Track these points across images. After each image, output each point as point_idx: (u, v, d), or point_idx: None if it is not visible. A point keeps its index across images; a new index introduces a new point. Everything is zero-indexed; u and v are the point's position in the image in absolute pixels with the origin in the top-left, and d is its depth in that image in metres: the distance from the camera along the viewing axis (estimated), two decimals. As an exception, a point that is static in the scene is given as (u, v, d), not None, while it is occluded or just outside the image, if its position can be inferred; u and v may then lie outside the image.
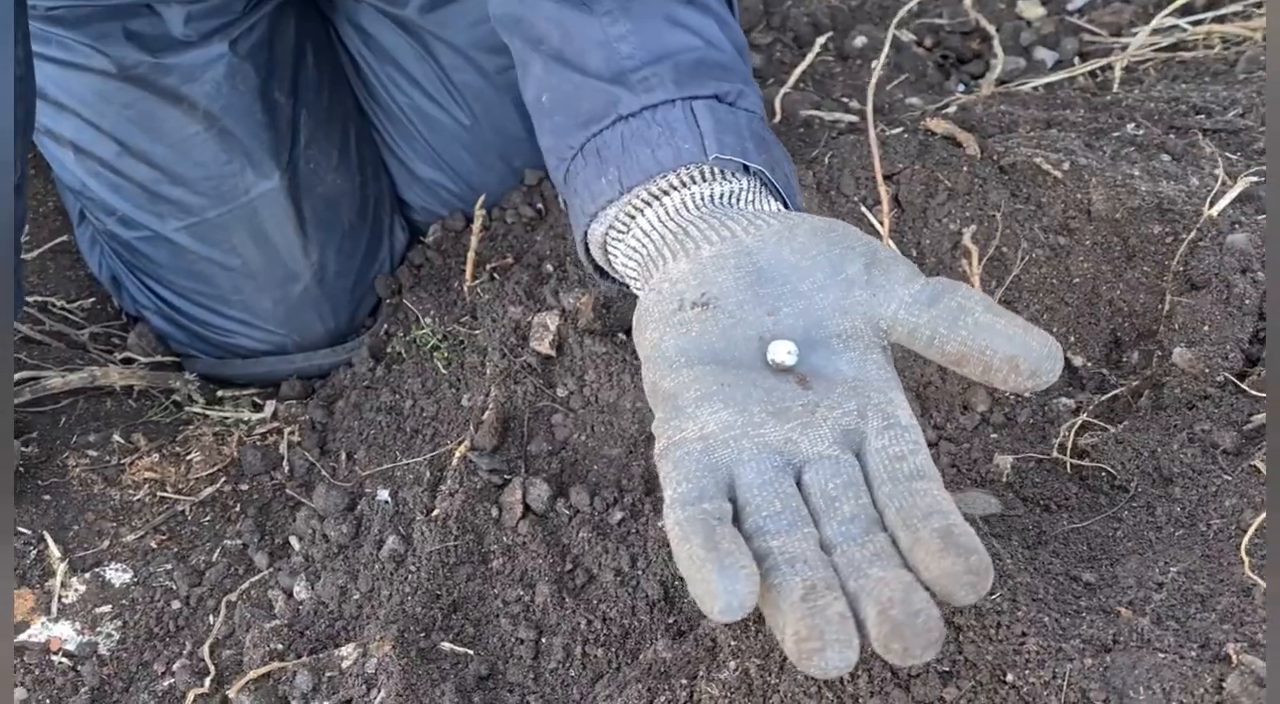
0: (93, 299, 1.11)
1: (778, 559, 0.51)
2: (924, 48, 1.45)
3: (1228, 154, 0.97)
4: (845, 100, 1.31)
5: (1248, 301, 0.77)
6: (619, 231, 0.66)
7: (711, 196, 0.64)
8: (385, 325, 1.08)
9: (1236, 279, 0.78)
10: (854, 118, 1.17)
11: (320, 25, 1.07)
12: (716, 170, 0.65)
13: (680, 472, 0.54)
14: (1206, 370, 0.76)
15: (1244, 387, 0.73)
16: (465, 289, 1.03)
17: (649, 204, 0.64)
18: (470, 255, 1.03)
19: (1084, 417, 0.79)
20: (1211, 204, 0.85)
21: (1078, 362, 0.88)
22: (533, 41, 0.71)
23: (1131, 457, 0.73)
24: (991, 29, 1.39)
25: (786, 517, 0.52)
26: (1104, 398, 0.81)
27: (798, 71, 1.30)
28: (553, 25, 0.70)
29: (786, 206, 0.67)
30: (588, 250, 0.70)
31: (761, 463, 0.53)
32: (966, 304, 0.56)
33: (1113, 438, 0.75)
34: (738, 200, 0.64)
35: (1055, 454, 0.78)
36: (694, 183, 0.64)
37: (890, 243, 0.97)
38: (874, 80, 1.09)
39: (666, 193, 0.64)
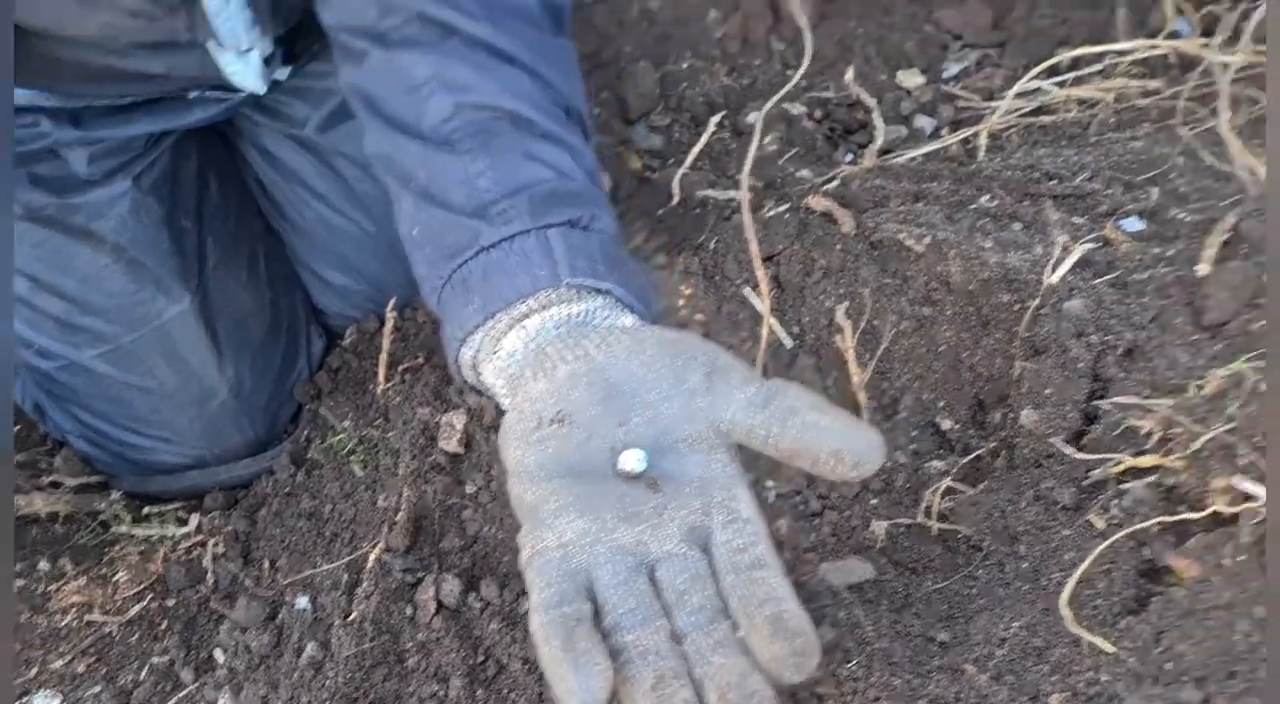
0: (19, 427, 1.14)
1: (632, 653, 0.56)
2: (813, 120, 1.53)
3: (1075, 219, 1.04)
4: (739, 177, 1.37)
5: (1081, 365, 0.83)
6: (486, 354, 0.71)
7: (568, 317, 0.69)
8: (306, 431, 1.12)
9: (1072, 344, 0.85)
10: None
11: (223, 151, 1.13)
12: (571, 291, 0.71)
13: (543, 578, 0.59)
14: (1049, 431, 0.82)
15: (1068, 452, 0.79)
16: (379, 391, 1.08)
17: (511, 328, 0.70)
18: (383, 357, 1.08)
19: (948, 481, 0.85)
20: (1053, 271, 0.92)
21: (945, 425, 0.94)
22: (402, 179, 0.77)
23: (984, 517, 0.79)
24: (871, 102, 1.47)
25: (640, 612, 0.58)
26: (965, 460, 0.88)
27: (694, 151, 1.37)
28: (419, 165, 0.76)
29: (642, 316, 0.73)
30: (460, 370, 0.75)
31: (616, 565, 0.59)
32: (796, 405, 0.62)
33: (968, 499, 0.81)
34: (592, 318, 0.70)
35: (921, 518, 0.83)
36: (551, 305, 0.70)
37: (773, 322, 1.04)
38: (747, 167, 1.15)
39: (527, 316, 0.70)
